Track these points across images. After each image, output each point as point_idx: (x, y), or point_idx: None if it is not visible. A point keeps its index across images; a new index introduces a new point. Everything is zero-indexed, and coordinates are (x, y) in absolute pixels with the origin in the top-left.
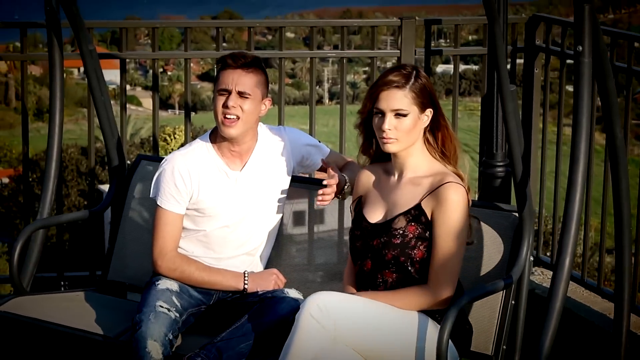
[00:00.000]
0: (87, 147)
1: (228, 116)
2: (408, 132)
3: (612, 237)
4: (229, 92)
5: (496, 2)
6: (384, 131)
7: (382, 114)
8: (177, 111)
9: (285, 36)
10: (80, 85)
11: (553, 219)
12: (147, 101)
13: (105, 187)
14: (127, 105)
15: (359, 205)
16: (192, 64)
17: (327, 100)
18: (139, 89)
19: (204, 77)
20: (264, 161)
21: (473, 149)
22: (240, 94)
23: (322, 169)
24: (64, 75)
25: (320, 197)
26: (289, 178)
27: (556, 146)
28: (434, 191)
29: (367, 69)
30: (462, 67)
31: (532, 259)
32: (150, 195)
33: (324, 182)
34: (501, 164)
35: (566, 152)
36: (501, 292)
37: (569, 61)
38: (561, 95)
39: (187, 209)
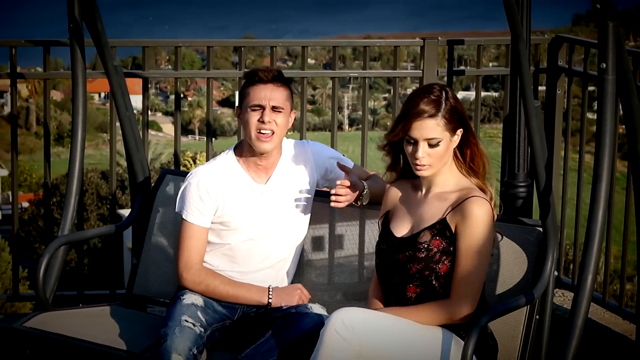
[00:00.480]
0: (108, 169)
1: (263, 131)
2: (441, 157)
3: (631, 265)
4: (263, 108)
5: (519, 18)
6: (417, 159)
7: (415, 142)
8: (197, 137)
9: (307, 58)
10: (101, 111)
11: (574, 246)
12: (168, 127)
13: (125, 212)
14: (148, 131)
15: (387, 220)
16: (212, 90)
17: (346, 127)
18: (159, 114)
19: (224, 102)
20: (288, 174)
21: (493, 175)
22: (274, 109)
23: None
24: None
25: (333, 198)
26: (313, 191)
27: (577, 172)
28: (459, 205)
29: (387, 95)
30: (482, 93)
31: (556, 273)
32: (176, 210)
33: (337, 182)
34: (523, 184)
35: (587, 180)
36: (525, 307)
37: (591, 88)
38: (583, 119)
39: (212, 222)
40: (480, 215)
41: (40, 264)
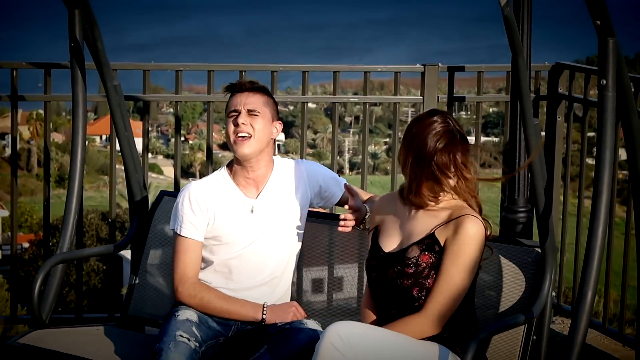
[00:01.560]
0: (108, 210)
1: (240, 135)
2: None
3: (631, 309)
4: (239, 112)
5: (520, 39)
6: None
7: None
8: (197, 179)
9: (307, 83)
10: (102, 153)
11: (573, 290)
12: (169, 169)
13: (124, 253)
14: (149, 174)
15: (375, 235)
16: (213, 133)
17: (347, 171)
18: (160, 157)
19: (224, 146)
20: (280, 189)
21: (492, 220)
22: (250, 112)
23: (341, 203)
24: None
25: (342, 223)
26: (306, 207)
27: (577, 216)
28: (452, 221)
29: (387, 140)
30: (482, 138)
31: (554, 294)
32: (170, 227)
33: (346, 206)
34: (523, 209)
35: (586, 224)
36: (522, 327)
37: (590, 134)
38: (582, 163)
39: (205, 237)
40: (473, 233)
41: (37, 279)
